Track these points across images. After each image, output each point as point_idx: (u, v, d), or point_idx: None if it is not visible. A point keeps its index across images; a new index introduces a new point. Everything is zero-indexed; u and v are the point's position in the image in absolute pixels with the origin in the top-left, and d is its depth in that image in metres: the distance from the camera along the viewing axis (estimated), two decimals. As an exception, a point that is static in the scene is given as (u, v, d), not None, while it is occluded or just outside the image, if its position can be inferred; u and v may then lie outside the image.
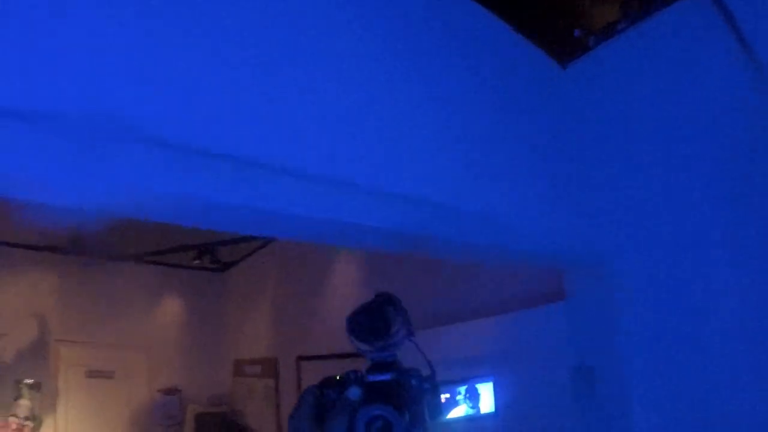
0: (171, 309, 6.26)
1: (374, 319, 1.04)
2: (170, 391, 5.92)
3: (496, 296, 2.59)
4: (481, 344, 2.43)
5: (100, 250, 5.73)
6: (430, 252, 1.73)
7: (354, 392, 0.95)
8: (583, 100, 2.04)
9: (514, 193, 1.68)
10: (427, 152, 1.42)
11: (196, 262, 5.78)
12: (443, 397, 1.08)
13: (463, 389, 1.14)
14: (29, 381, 5.26)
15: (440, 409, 1.03)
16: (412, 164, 1.37)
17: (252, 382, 5.13)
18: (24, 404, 4.66)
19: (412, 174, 1.36)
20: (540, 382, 2.14)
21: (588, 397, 1.86)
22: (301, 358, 4.15)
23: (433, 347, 2.78)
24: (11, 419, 4.49)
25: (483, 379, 1.24)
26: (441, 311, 2.87)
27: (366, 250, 3.20)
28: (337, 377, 1.01)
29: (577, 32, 1.97)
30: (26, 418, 4.56)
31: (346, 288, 3.88)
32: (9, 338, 5.54)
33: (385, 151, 1.32)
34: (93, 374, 5.76)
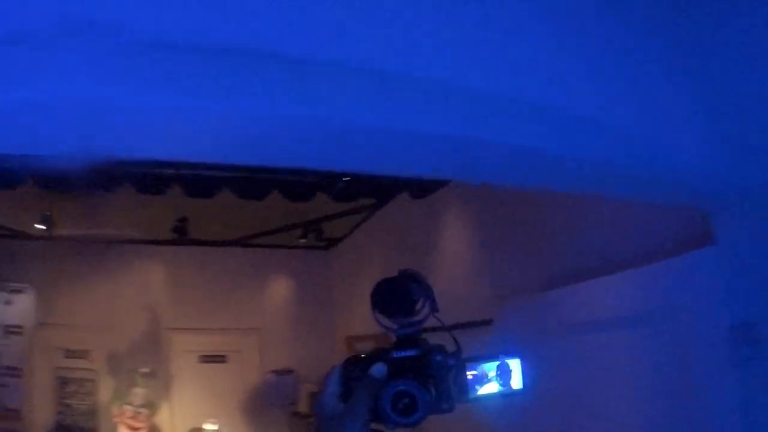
0: (279, 290, 6.14)
1: (398, 296, 1.06)
2: (284, 372, 5.83)
3: (627, 247, 2.26)
4: (615, 303, 2.19)
5: (205, 238, 5.65)
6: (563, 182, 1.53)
7: (379, 369, 0.95)
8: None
9: (656, 109, 1.43)
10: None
11: (302, 241, 5.56)
12: (470, 374, 1.08)
13: (494, 365, 1.19)
14: (144, 370, 5.29)
15: (467, 386, 1.04)
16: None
17: (365, 359, 4.81)
18: (139, 392, 4.62)
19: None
20: (688, 345, 1.88)
21: (750, 360, 1.62)
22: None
23: (557, 310, 2.23)
24: (126, 407, 4.44)
25: (511, 355, 1.24)
26: (561, 269, 2.57)
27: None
28: (362, 355, 1.01)
29: None
30: (141, 406, 4.50)
31: (454, 253, 3.41)
32: (123, 330, 5.60)
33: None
34: (206, 359, 5.74)
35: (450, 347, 1.03)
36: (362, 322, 5.11)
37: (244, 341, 5.87)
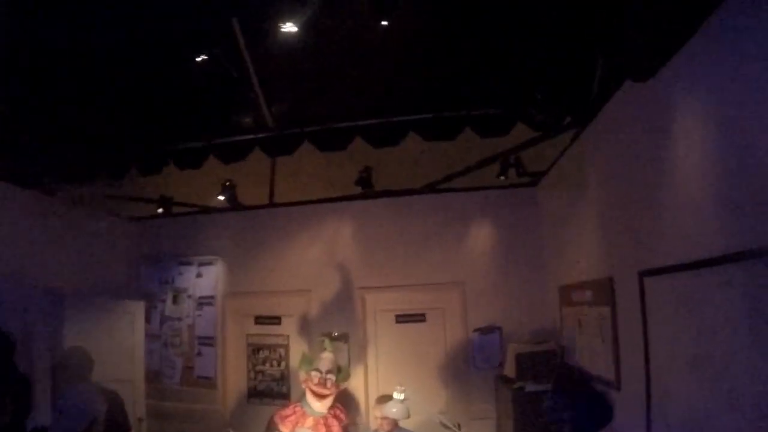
0: (480, 237, 5.27)
1: None
2: (488, 330, 5.08)
3: None
4: None
5: (393, 188, 5.07)
6: None
7: None
8: None
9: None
10: None
11: (501, 178, 4.58)
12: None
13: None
14: (334, 333, 4.87)
15: None
16: None
17: (581, 311, 3.83)
18: (327, 357, 4.21)
19: None
20: None
21: None
22: (644, 273, 2.65)
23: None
24: (314, 373, 4.01)
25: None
26: None
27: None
28: None
29: None
30: (329, 372, 4.04)
31: (693, 167, 2.20)
32: (313, 294, 5.25)
33: None
34: (402, 319, 5.16)
35: None
36: (577, 267, 4.09)
37: (445, 297, 5.18)
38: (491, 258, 5.17)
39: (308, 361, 4.27)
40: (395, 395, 3.57)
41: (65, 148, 3.85)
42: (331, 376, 4.14)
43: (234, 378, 5.46)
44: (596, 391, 3.48)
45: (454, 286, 5.16)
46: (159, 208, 5.56)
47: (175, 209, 5.67)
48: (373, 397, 5.00)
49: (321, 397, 4.10)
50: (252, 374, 5.45)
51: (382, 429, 4.02)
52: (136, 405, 5.23)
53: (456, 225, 5.26)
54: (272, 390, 5.36)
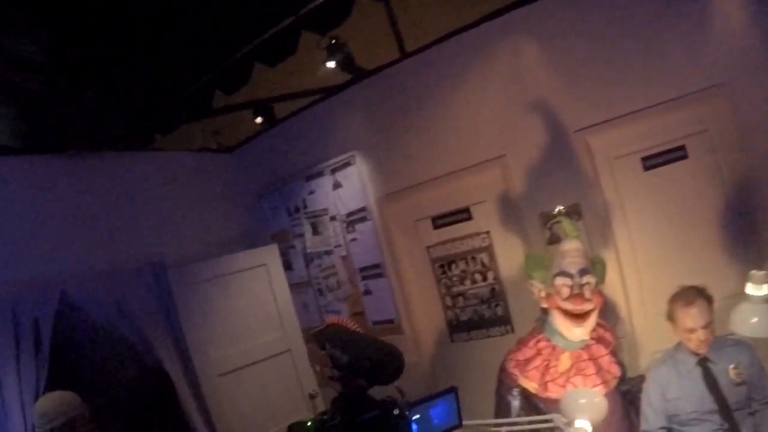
0: (731, 10, 2.95)
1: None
2: None
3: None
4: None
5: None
6: None
7: None
8: None
9: None
10: None
11: None
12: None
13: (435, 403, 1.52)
14: (560, 208, 2.99)
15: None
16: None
17: None
18: (572, 249, 2.54)
19: None
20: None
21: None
22: None
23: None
24: (559, 281, 2.44)
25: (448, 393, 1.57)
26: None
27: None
28: (308, 423, 1.21)
29: None
30: (583, 272, 2.36)
31: None
32: (509, 159, 3.44)
33: None
34: (652, 161, 3.21)
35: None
36: None
37: (705, 113, 3.04)
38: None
39: (540, 263, 2.51)
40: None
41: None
42: (590, 279, 2.34)
43: (424, 313, 3.83)
44: None
45: (715, 92, 2.99)
46: (256, 117, 4.16)
47: (279, 112, 4.23)
48: (635, 292, 3.22)
49: (580, 318, 2.32)
50: (448, 301, 3.77)
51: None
52: (302, 378, 3.86)
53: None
54: (483, 317, 3.67)
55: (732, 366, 2.29)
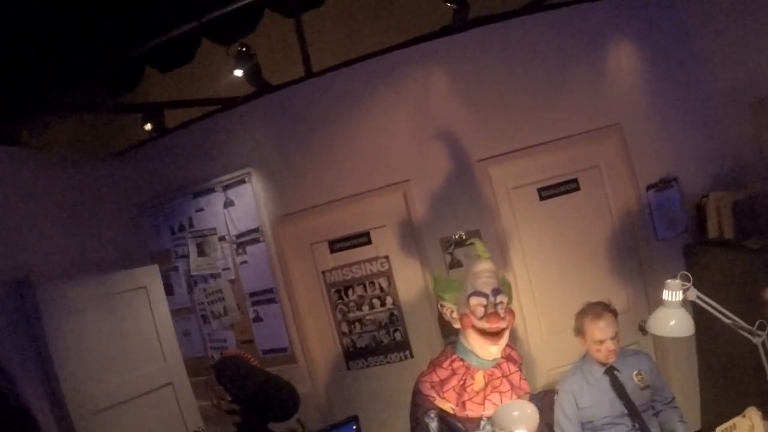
0: (625, 60, 3.40)
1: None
2: (665, 184, 3.40)
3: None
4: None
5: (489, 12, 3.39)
6: None
7: None
8: None
9: None
10: None
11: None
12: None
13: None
14: (460, 234, 3.16)
15: None
16: None
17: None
18: (485, 270, 2.70)
19: None
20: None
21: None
22: None
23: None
24: (474, 301, 2.54)
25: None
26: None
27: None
28: None
29: None
30: (496, 292, 2.39)
31: None
32: (412, 184, 3.50)
33: None
34: (548, 191, 3.47)
35: None
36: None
37: (598, 150, 3.41)
38: (647, 87, 3.37)
39: (451, 285, 2.53)
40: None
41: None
42: (503, 298, 2.41)
43: (319, 340, 3.70)
44: None
45: (610, 132, 3.37)
46: (145, 123, 3.86)
47: (169, 122, 3.95)
48: (531, 313, 3.45)
49: (495, 336, 2.37)
50: (344, 327, 3.67)
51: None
52: (186, 414, 3.54)
53: (587, 47, 3.39)
54: (381, 343, 3.61)
55: (635, 372, 2.52)
